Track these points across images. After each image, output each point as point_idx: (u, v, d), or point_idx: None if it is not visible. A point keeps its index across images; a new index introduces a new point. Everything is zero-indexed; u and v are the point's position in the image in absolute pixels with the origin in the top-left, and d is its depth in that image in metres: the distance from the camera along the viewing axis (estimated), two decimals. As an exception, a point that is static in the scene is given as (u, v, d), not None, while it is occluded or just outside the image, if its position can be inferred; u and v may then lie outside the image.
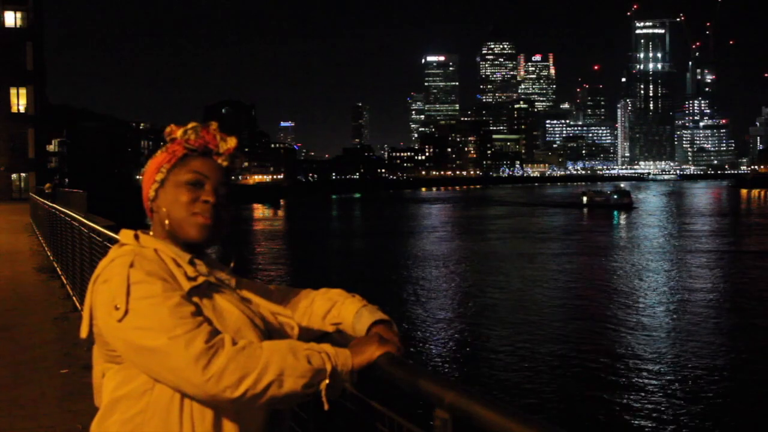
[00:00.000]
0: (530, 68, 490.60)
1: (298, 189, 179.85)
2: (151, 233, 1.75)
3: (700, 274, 33.88)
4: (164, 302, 1.53)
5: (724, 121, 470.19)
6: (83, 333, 1.65)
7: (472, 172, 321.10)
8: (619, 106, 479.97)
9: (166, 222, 1.72)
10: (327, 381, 1.55)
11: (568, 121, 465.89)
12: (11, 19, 55.95)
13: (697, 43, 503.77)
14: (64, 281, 11.06)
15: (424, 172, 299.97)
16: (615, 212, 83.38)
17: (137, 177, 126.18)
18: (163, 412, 1.56)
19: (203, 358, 1.46)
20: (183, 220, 1.71)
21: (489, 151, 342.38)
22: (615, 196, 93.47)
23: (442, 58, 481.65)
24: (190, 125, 1.78)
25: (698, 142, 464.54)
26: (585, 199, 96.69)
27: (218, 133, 1.78)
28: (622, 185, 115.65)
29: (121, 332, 1.53)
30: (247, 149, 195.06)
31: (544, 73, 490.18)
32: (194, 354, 1.47)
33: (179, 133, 1.76)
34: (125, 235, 1.75)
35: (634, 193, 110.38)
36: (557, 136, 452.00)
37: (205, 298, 1.64)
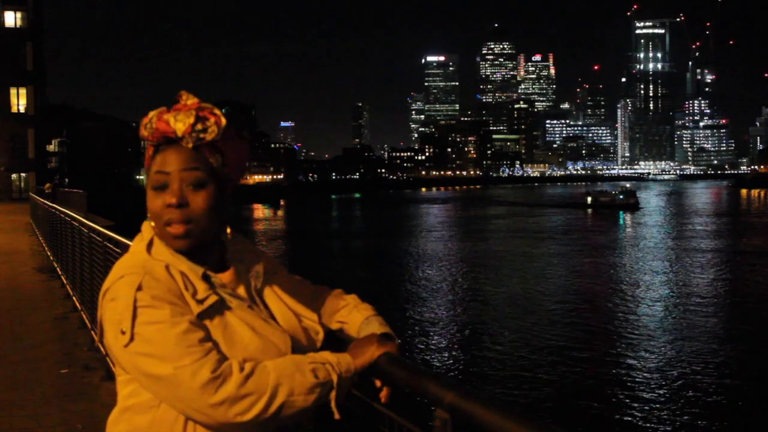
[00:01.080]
0: (530, 68, 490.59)
1: (298, 189, 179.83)
2: (159, 241, 1.64)
3: (718, 275, 33.83)
4: (171, 329, 1.48)
5: (724, 121, 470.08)
6: (99, 339, 1.63)
7: (472, 172, 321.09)
8: (619, 106, 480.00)
9: (156, 232, 1.63)
10: (335, 391, 1.54)
11: (568, 121, 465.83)
12: (11, 19, 55.97)
13: (697, 43, 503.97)
14: (64, 281, 11.06)
15: (424, 172, 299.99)
16: (620, 212, 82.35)
17: (137, 177, 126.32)
18: (168, 428, 1.54)
19: (210, 387, 1.44)
20: (160, 232, 1.61)
21: (489, 151, 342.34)
22: (620, 197, 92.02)
23: (442, 58, 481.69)
24: (148, 117, 1.59)
25: (698, 142, 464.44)
26: (589, 199, 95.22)
27: (174, 112, 1.58)
28: (627, 185, 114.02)
29: (128, 356, 1.50)
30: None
31: (544, 73, 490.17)
32: (201, 383, 1.44)
33: (141, 129, 1.60)
34: (145, 232, 1.66)
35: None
36: (557, 136, 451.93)
37: (216, 317, 1.57)
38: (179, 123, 1.57)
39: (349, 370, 1.57)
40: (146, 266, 1.56)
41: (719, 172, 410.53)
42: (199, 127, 1.57)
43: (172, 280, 1.56)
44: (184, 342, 1.47)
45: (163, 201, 1.58)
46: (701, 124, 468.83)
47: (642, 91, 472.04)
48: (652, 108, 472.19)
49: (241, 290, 1.66)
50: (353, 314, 1.80)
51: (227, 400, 1.44)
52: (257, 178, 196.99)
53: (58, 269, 12.43)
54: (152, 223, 1.62)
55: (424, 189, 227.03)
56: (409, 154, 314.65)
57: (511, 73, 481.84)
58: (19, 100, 55.64)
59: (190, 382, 1.44)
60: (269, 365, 1.52)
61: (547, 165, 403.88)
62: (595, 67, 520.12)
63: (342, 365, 1.57)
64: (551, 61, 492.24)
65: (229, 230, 1.70)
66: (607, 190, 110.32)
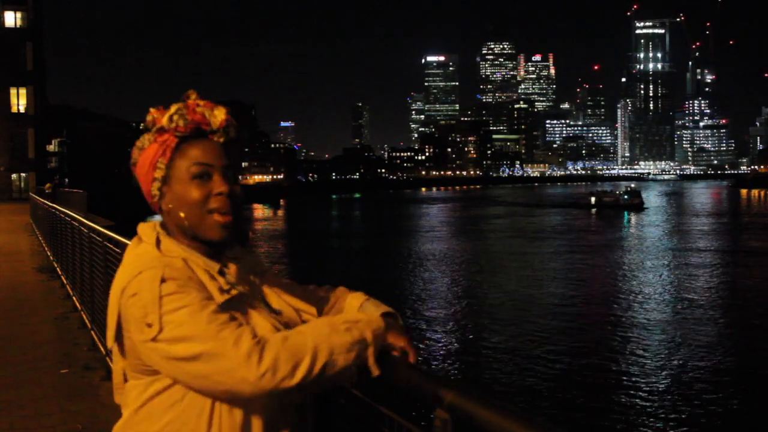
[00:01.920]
0: (530, 68, 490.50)
1: (298, 189, 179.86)
2: (169, 236, 1.65)
3: (733, 275, 33.84)
4: (202, 310, 1.47)
5: (724, 121, 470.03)
6: (109, 343, 1.59)
7: (472, 172, 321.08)
8: (619, 106, 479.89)
9: (186, 224, 1.62)
10: (371, 347, 1.55)
11: (568, 121, 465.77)
12: (11, 19, 55.98)
13: (697, 43, 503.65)
14: (64, 281, 11.05)
15: (424, 172, 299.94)
16: (625, 213, 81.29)
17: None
18: (192, 423, 1.53)
19: (254, 354, 1.43)
20: (200, 220, 1.60)
21: (489, 151, 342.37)
22: (625, 197, 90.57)
23: (442, 58, 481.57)
24: (173, 108, 1.61)
25: (698, 142, 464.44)
26: (593, 199, 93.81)
27: (204, 107, 1.63)
28: (632, 185, 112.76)
29: (158, 349, 1.47)
30: (247, 149, 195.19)
31: (544, 73, 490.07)
32: (245, 351, 1.43)
33: (165, 120, 1.61)
34: (146, 234, 1.65)
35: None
36: (557, 136, 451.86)
37: (239, 308, 1.58)
38: (215, 117, 1.60)
39: (379, 326, 1.58)
40: (163, 261, 1.56)
41: (719, 172, 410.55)
42: (229, 123, 1.64)
43: (192, 272, 1.56)
44: (216, 320, 1.46)
45: (208, 190, 1.59)
46: (701, 124, 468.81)
47: (642, 91, 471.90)
48: (652, 108, 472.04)
49: (246, 287, 1.67)
50: (349, 302, 1.81)
51: (272, 365, 1.43)
52: (257, 178, 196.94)
53: (58, 269, 12.43)
54: (182, 214, 1.60)
55: (424, 189, 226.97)
56: (409, 154, 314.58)
57: (511, 73, 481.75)
58: (19, 100, 55.64)
59: (233, 352, 1.43)
60: (302, 328, 1.52)
61: (547, 165, 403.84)
62: (595, 67, 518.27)
63: (373, 323, 1.58)
64: (551, 61, 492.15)
65: (251, 234, 1.85)
66: (611, 190, 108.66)
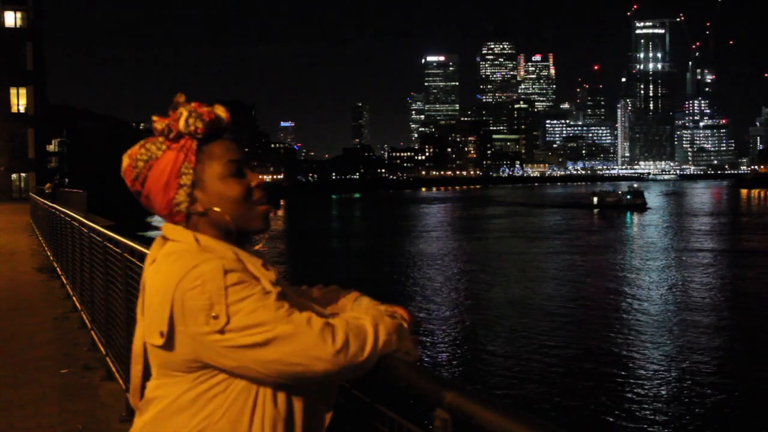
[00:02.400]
0: (530, 68, 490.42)
1: (298, 189, 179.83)
2: (204, 235, 1.61)
3: (743, 274, 33.85)
4: (268, 297, 1.49)
5: (724, 121, 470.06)
6: (157, 341, 1.53)
7: (472, 172, 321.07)
8: (619, 106, 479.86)
9: (229, 221, 1.60)
10: (408, 332, 1.63)
11: (568, 121, 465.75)
12: (11, 19, 55.98)
13: (697, 43, 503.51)
14: (64, 281, 11.05)
15: (424, 172, 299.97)
16: (628, 213, 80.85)
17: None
18: (234, 415, 1.53)
19: (327, 333, 1.47)
20: (246, 214, 1.62)
21: (489, 151, 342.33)
22: (628, 197, 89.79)
23: (442, 58, 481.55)
24: (185, 113, 1.59)
25: (698, 142, 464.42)
26: (596, 199, 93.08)
27: (213, 108, 1.63)
28: (635, 185, 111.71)
29: (224, 340, 1.46)
30: (247, 149, 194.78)
31: (544, 73, 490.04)
32: (318, 329, 1.47)
33: (182, 125, 1.58)
34: (178, 233, 1.61)
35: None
36: (557, 136, 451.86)
37: (289, 300, 1.58)
38: (223, 115, 1.63)
39: (404, 318, 1.67)
40: (217, 253, 1.55)
41: (719, 172, 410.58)
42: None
43: (244, 265, 1.56)
44: (283, 305, 1.49)
45: (246, 183, 1.63)
46: (701, 124, 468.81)
47: (642, 91, 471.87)
48: (652, 108, 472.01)
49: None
50: (340, 301, 1.82)
51: (344, 342, 1.47)
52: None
53: (58, 269, 12.43)
54: (223, 211, 1.60)
55: (424, 189, 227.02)
56: (409, 154, 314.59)
57: (511, 73, 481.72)
58: (19, 100, 55.64)
59: (309, 332, 1.46)
60: (354, 312, 1.62)
61: (547, 165, 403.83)
62: (595, 67, 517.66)
63: (396, 313, 1.67)
64: (551, 61, 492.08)
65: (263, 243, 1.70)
66: (613, 190, 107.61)
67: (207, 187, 1.60)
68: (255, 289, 1.49)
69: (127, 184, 1.65)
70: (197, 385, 1.53)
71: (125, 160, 1.63)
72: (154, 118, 1.62)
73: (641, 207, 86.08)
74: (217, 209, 1.60)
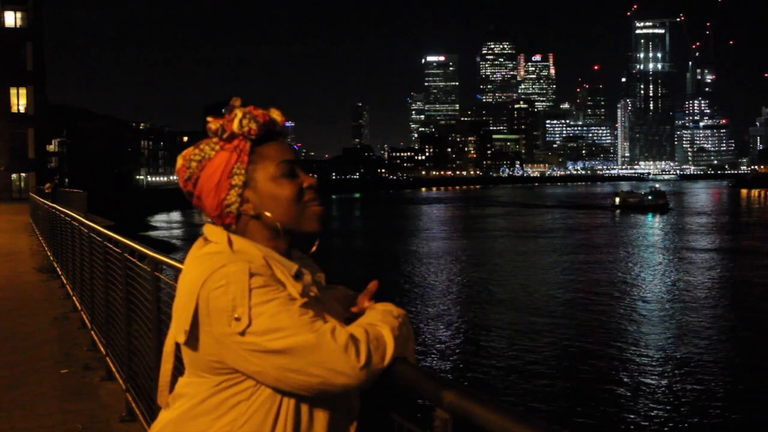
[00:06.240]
0: (530, 68, 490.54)
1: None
2: (241, 237, 1.60)
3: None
4: (293, 303, 1.47)
5: (724, 121, 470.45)
6: (181, 339, 1.53)
7: (472, 172, 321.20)
8: (619, 106, 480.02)
9: (280, 223, 1.60)
10: (412, 339, 1.62)
11: (568, 121, 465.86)
12: (11, 19, 55.96)
13: (697, 43, 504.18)
14: (64, 281, 11.06)
15: (424, 172, 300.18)
16: (649, 214, 79.69)
17: (137, 177, 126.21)
18: (257, 422, 1.52)
19: (351, 348, 1.44)
20: (299, 215, 1.62)
21: (489, 151, 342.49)
22: (650, 197, 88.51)
23: (442, 58, 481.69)
24: (239, 114, 1.59)
25: (698, 142, 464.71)
26: (617, 200, 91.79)
27: (268, 111, 1.65)
28: (657, 186, 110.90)
29: (245, 342, 1.45)
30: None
31: (544, 73, 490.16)
32: (342, 343, 1.44)
33: (235, 126, 1.58)
34: (215, 234, 1.60)
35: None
36: (557, 136, 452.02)
37: (318, 308, 1.56)
38: (279, 117, 1.65)
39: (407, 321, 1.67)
40: (246, 256, 1.53)
41: (719, 172, 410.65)
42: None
43: (272, 271, 1.54)
44: (308, 313, 1.47)
45: (299, 184, 1.62)
46: (701, 124, 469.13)
47: (642, 91, 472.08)
48: (652, 108, 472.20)
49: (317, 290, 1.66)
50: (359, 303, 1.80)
51: (366, 356, 1.46)
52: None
53: (58, 269, 12.43)
54: (276, 214, 1.60)
55: (424, 189, 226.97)
56: (409, 154, 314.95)
57: (511, 73, 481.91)
58: (19, 100, 55.62)
59: (332, 345, 1.43)
60: (370, 320, 1.58)
61: (547, 165, 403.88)
62: (595, 67, 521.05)
63: (406, 317, 1.67)
64: (551, 61, 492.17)
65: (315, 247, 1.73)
66: (635, 190, 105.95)
67: (259, 188, 1.60)
68: (280, 293, 1.47)
69: (180, 184, 1.65)
70: (222, 390, 1.52)
71: (179, 161, 1.64)
72: (209, 119, 1.62)
73: (663, 208, 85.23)
74: (268, 214, 1.60)
